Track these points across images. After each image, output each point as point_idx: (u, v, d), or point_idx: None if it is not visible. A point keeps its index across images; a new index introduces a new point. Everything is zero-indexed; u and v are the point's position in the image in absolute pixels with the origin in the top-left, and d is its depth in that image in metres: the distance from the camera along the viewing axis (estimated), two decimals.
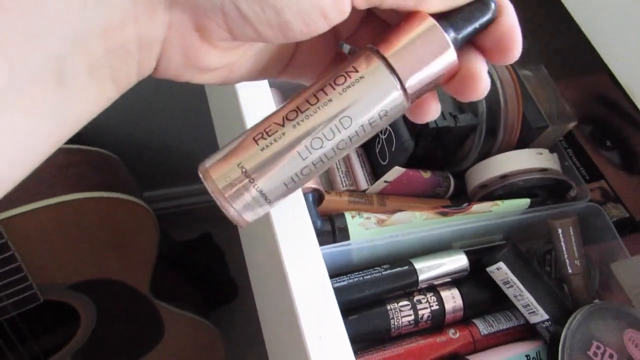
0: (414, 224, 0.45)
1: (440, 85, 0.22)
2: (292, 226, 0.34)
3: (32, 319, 0.80)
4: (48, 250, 0.73)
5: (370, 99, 0.21)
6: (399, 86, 0.21)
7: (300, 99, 0.21)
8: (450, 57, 0.21)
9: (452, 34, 0.21)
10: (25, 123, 0.18)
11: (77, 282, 0.78)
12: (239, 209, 0.21)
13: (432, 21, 0.21)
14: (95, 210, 0.76)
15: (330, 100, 0.21)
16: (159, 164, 1.13)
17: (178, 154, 1.12)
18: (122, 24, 0.19)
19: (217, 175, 0.21)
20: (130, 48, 0.20)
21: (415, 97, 0.22)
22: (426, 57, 0.21)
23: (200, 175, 0.22)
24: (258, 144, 0.21)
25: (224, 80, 0.24)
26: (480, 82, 0.22)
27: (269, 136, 0.21)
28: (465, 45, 0.22)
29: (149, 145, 1.05)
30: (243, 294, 1.20)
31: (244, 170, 0.21)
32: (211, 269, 1.19)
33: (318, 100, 0.21)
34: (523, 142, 0.50)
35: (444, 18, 0.21)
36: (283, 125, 0.21)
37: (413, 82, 0.21)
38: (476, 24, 0.21)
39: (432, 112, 0.24)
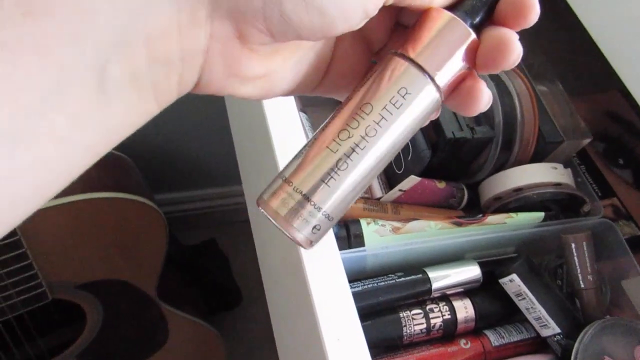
0: (429, 232, 0.45)
1: (470, 68, 0.22)
2: None
3: (40, 317, 0.80)
4: (59, 249, 0.74)
5: (411, 108, 0.21)
6: (431, 83, 0.21)
7: (343, 115, 0.22)
8: (471, 41, 0.22)
9: (469, 21, 0.22)
10: (64, 127, 0.18)
11: (86, 282, 0.78)
12: (306, 234, 0.21)
13: (447, 14, 0.21)
14: (108, 211, 0.76)
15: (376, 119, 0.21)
16: (170, 167, 1.14)
17: (189, 159, 1.13)
18: (165, 33, 0.19)
19: (277, 205, 0.21)
20: (173, 59, 0.20)
21: (447, 88, 0.22)
22: (450, 48, 0.21)
23: (261, 209, 0.22)
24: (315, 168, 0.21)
25: (265, 92, 0.24)
26: (482, 96, 0.22)
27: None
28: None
29: (161, 149, 1.06)
30: (246, 300, 1.20)
31: (303, 194, 0.21)
32: (216, 274, 1.19)
33: (363, 116, 0.21)
34: (538, 157, 0.51)
35: (457, 7, 0.22)
36: (334, 148, 0.21)
37: (442, 75, 0.21)
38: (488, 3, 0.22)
39: (483, 98, 0.23)
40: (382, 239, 0.45)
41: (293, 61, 0.24)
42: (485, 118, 0.49)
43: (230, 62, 0.21)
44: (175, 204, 1.27)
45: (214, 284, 1.20)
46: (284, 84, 0.24)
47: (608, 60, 0.46)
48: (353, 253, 0.44)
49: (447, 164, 0.50)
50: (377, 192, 0.52)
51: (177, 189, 1.26)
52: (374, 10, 0.21)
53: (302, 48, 0.23)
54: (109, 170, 0.79)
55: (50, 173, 0.18)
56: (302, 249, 0.34)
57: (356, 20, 0.21)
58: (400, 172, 0.51)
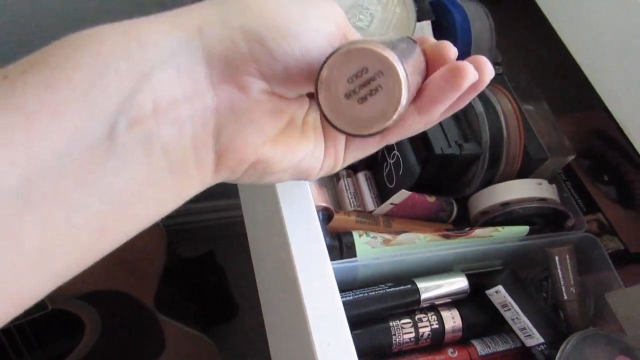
0: (418, 245, 0.47)
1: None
2: (306, 240, 0.37)
3: (40, 327, 0.81)
4: None
5: None
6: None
7: None
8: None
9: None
10: (73, 193, 0.18)
11: (85, 293, 0.80)
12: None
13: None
14: None
15: None
16: None
17: None
18: (171, 95, 0.20)
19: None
20: (183, 119, 0.20)
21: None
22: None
23: (354, 47, 0.21)
24: None
25: (292, 172, 0.26)
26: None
27: None
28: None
29: None
30: (242, 313, 1.21)
31: None
32: (213, 286, 1.21)
33: None
34: (524, 173, 0.53)
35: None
36: None
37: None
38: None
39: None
40: (373, 250, 0.47)
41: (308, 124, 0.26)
42: (473, 135, 0.51)
43: (241, 117, 0.22)
44: (174, 216, 1.29)
45: (211, 296, 1.21)
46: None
47: (590, 81, 0.48)
48: (345, 263, 0.45)
49: (436, 179, 0.52)
50: (370, 205, 0.54)
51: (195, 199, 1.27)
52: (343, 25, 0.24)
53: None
54: None
55: (55, 239, 0.18)
56: (296, 258, 0.36)
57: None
58: (392, 186, 0.53)
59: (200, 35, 0.21)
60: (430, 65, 0.27)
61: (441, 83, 0.24)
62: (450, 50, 0.27)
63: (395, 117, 0.21)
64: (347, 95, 0.21)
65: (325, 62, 0.21)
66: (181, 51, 0.20)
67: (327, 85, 0.21)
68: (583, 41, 0.48)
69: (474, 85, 0.25)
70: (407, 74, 0.21)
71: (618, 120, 0.45)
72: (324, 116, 0.22)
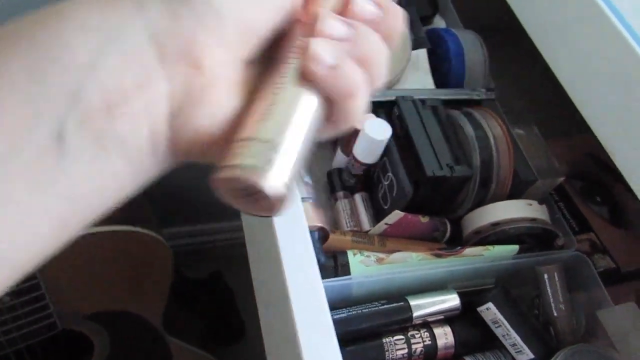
0: (410, 263, 0.49)
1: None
2: (298, 261, 0.39)
3: (48, 347, 0.83)
4: (70, 280, 0.78)
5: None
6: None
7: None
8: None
9: None
10: (24, 195, 0.17)
11: (94, 313, 0.82)
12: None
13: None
14: (117, 243, 0.80)
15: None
16: (179, 201, 1.18)
17: (198, 192, 1.17)
18: (121, 86, 0.19)
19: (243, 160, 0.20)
20: (136, 111, 0.19)
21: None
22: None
23: (221, 176, 0.20)
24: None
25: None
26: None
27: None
28: None
29: (170, 182, 1.10)
30: (249, 334, 1.22)
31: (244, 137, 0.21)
32: (220, 307, 1.22)
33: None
34: (515, 194, 0.54)
35: None
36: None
37: None
38: None
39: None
40: (367, 269, 0.49)
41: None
42: (464, 158, 0.53)
43: (198, 99, 0.20)
44: (184, 237, 1.31)
45: (219, 317, 1.22)
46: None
47: (576, 106, 0.50)
48: (340, 281, 0.47)
49: (429, 200, 0.54)
50: (366, 225, 0.56)
51: (186, 222, 1.30)
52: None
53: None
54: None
55: (13, 239, 0.17)
56: (289, 279, 0.38)
57: None
58: (387, 207, 0.55)
59: (141, 11, 0.19)
60: None
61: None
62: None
63: (282, 209, 0.21)
64: (235, 195, 0.21)
65: (214, 177, 0.21)
66: (124, 33, 0.19)
67: (217, 187, 0.21)
68: (569, 67, 0.50)
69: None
70: (286, 188, 0.20)
71: (604, 145, 0.47)
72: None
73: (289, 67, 0.22)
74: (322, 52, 0.21)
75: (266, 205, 0.21)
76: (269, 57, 0.23)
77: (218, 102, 0.21)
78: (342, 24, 0.22)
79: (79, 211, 0.19)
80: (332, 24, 0.22)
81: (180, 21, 0.19)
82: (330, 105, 0.22)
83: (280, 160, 0.20)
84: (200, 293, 1.22)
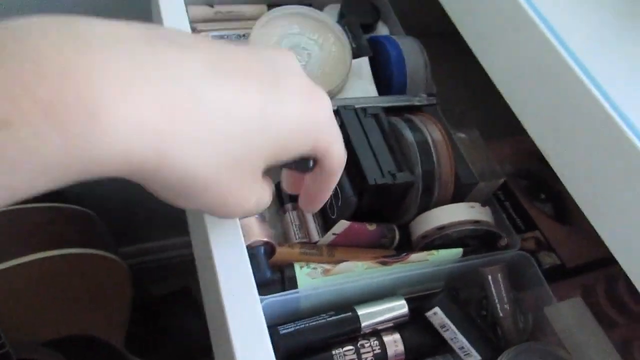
0: (356, 273, 0.49)
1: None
2: (235, 278, 0.38)
3: None
4: (24, 308, 0.76)
5: None
6: None
7: None
8: None
9: None
10: None
11: (52, 339, 0.80)
12: None
13: None
14: (72, 267, 0.79)
15: None
16: (137, 218, 1.17)
17: (155, 209, 1.16)
18: None
19: None
20: None
21: None
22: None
23: None
24: None
25: None
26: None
27: None
28: None
29: (126, 201, 1.09)
30: None
31: None
32: (187, 323, 1.21)
33: None
34: (458, 197, 0.55)
35: None
36: None
37: None
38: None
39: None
40: (313, 281, 0.49)
41: None
42: (407, 164, 0.54)
43: None
44: (148, 254, 1.29)
45: (188, 333, 1.21)
46: None
47: (511, 108, 0.51)
48: (286, 295, 0.47)
49: (375, 207, 0.54)
50: (315, 236, 0.56)
51: (150, 238, 1.28)
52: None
53: None
54: (71, 226, 0.82)
55: None
56: (225, 299, 0.38)
57: None
58: (334, 217, 0.55)
59: None
60: None
61: None
62: None
63: None
64: None
65: None
66: None
67: None
68: (501, 70, 0.51)
69: None
70: None
71: (538, 145, 0.48)
72: None
73: None
74: None
75: None
76: None
77: None
78: None
79: None
80: None
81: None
82: None
83: None
84: (165, 310, 1.20)
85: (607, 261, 0.37)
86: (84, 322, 0.83)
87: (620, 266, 0.36)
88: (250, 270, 0.39)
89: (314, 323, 0.47)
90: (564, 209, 0.62)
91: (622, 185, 0.36)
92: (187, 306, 1.24)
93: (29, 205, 0.77)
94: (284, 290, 0.48)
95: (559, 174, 0.45)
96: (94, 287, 0.82)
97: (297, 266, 0.50)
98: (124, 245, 1.19)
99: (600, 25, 0.48)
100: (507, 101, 0.51)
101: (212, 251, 0.39)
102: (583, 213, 0.40)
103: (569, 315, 0.54)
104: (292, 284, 0.49)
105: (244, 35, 0.65)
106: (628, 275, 0.36)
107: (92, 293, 0.82)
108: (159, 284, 1.20)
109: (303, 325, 0.47)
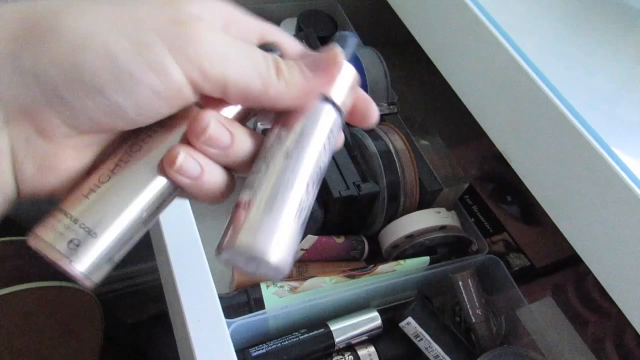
0: (325, 288, 0.48)
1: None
2: (199, 302, 0.37)
3: None
4: None
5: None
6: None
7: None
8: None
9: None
10: None
11: None
12: (61, 249, 0.21)
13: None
14: (37, 301, 0.76)
15: None
16: None
17: None
18: None
19: (40, 230, 0.21)
20: None
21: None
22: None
23: (33, 244, 0.21)
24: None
25: None
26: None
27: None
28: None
29: None
30: None
31: (60, 209, 0.21)
32: (162, 350, 1.18)
33: None
34: (424, 204, 0.55)
35: None
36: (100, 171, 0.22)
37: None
38: None
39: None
40: (281, 300, 0.48)
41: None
42: (371, 174, 0.54)
43: (40, 160, 0.21)
44: (121, 280, 1.26)
45: (162, 359, 1.18)
46: None
47: (471, 113, 0.51)
48: (254, 317, 0.46)
49: (341, 220, 0.54)
50: None
51: (123, 265, 1.25)
52: (173, 96, 0.21)
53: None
54: (31, 259, 0.79)
55: None
56: (190, 324, 0.36)
57: (153, 108, 0.21)
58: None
59: None
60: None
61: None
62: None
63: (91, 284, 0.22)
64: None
65: None
66: None
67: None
68: (460, 76, 0.51)
69: None
70: (88, 271, 0.22)
71: (498, 148, 0.48)
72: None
73: (145, 148, 0.22)
74: (189, 165, 0.22)
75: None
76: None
77: (65, 164, 0.21)
78: (226, 134, 0.23)
79: None
80: (219, 133, 0.22)
81: (29, 97, 0.20)
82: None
83: (86, 244, 0.21)
84: (141, 337, 1.17)
85: (576, 259, 0.37)
86: (55, 356, 0.80)
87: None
88: (216, 294, 0.38)
89: (286, 342, 0.46)
90: (530, 210, 0.62)
91: (582, 184, 0.36)
92: (162, 332, 1.21)
93: None
94: (251, 312, 0.47)
95: (521, 176, 0.46)
96: (63, 319, 0.79)
97: (263, 286, 0.48)
98: None
99: (551, 30, 0.48)
100: (467, 106, 0.51)
101: (175, 277, 0.38)
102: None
103: (541, 316, 0.54)
104: (259, 304, 0.47)
105: None
106: (594, 273, 0.36)
107: (62, 325, 0.79)
108: (133, 310, 1.17)
109: (275, 346, 0.46)
